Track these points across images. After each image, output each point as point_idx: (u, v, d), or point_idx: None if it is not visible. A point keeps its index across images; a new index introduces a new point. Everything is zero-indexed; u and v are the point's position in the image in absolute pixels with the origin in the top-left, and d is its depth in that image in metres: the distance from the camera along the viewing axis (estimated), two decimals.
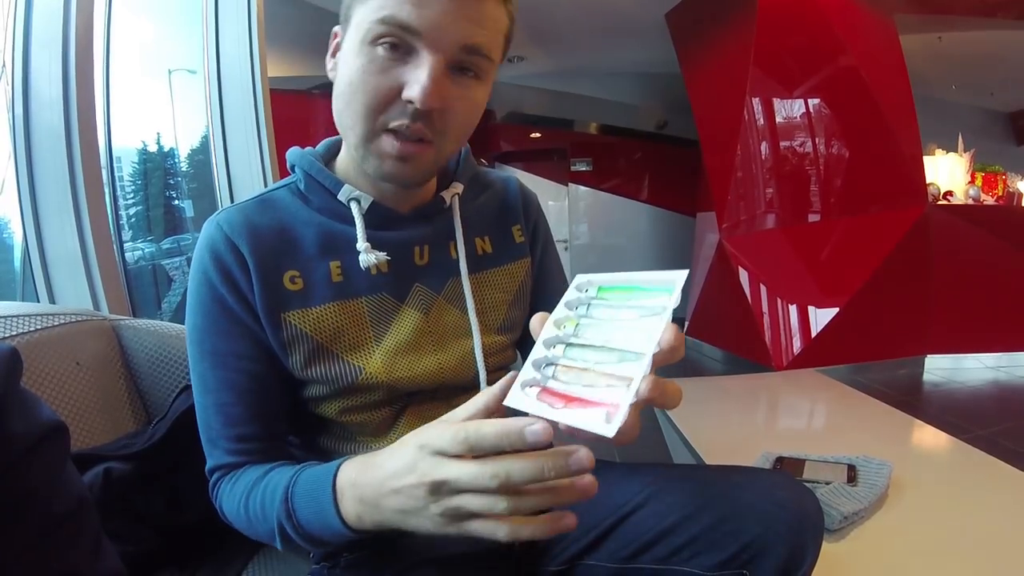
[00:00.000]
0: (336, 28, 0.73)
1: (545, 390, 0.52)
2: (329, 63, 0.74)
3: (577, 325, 0.55)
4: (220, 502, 0.71)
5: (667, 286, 0.52)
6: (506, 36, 0.71)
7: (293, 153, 0.79)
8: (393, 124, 0.66)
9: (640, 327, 0.50)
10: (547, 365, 0.53)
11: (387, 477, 0.53)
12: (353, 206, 0.75)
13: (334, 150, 0.82)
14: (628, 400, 0.46)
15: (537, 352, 0.54)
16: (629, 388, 0.47)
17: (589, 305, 0.56)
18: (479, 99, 0.70)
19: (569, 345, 0.54)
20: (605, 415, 0.46)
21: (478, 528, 0.49)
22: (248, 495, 0.67)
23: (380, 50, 0.64)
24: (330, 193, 0.76)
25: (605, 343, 0.52)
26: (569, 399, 0.50)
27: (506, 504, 0.48)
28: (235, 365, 0.71)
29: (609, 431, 0.46)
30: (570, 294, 0.58)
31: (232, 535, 0.74)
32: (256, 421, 0.71)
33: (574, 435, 0.50)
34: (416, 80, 0.63)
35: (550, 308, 0.59)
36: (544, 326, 0.56)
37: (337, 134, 0.81)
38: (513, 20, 0.71)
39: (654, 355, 0.48)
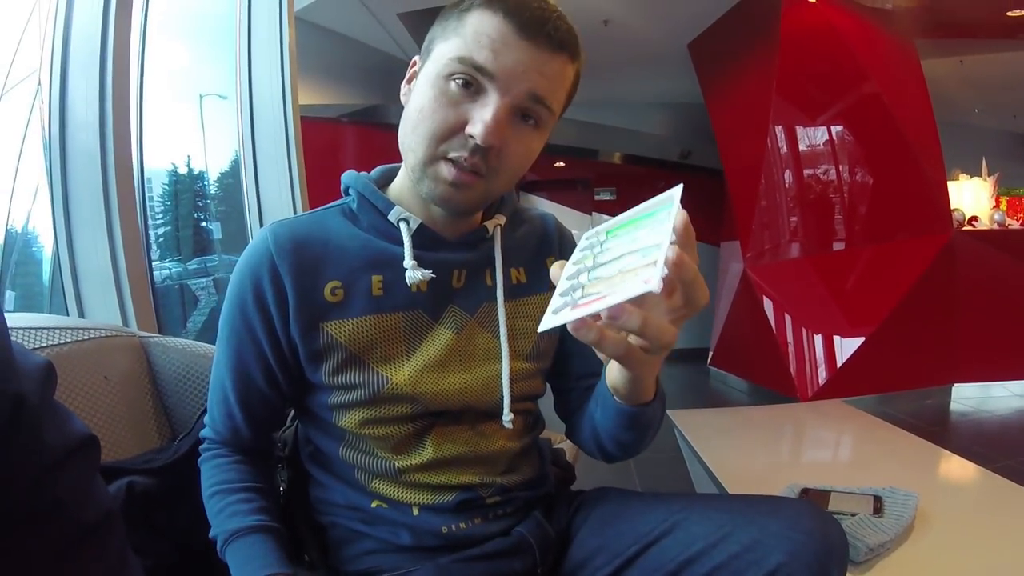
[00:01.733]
0: (415, 58, 0.78)
1: (576, 305, 0.52)
2: (403, 89, 0.79)
3: (594, 257, 0.56)
4: (200, 467, 0.84)
5: (666, 203, 0.53)
6: (569, 92, 0.76)
7: (349, 176, 0.83)
8: (452, 154, 0.71)
9: (651, 232, 0.51)
10: (574, 290, 0.54)
11: None
12: (402, 226, 0.78)
13: (388, 176, 0.86)
14: (660, 267, 0.46)
15: (562, 286, 0.55)
16: (657, 262, 0.46)
17: (602, 243, 0.57)
18: (534, 147, 0.75)
19: (591, 270, 0.54)
20: (642, 281, 0.46)
21: None
22: (213, 495, 0.79)
23: (453, 85, 0.69)
24: (380, 214, 0.79)
25: (624, 252, 0.52)
26: (601, 298, 0.49)
27: None
28: (240, 369, 0.80)
29: (651, 286, 0.45)
30: (581, 243, 0.60)
31: None
32: (243, 415, 0.81)
33: (615, 318, 0.50)
34: (480, 118, 0.68)
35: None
36: (564, 267, 0.57)
37: (372, 166, 0.85)
38: (578, 78, 0.76)
39: (672, 243, 0.48)
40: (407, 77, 0.79)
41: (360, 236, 0.79)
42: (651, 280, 0.45)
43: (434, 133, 0.70)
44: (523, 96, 0.69)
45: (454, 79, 0.69)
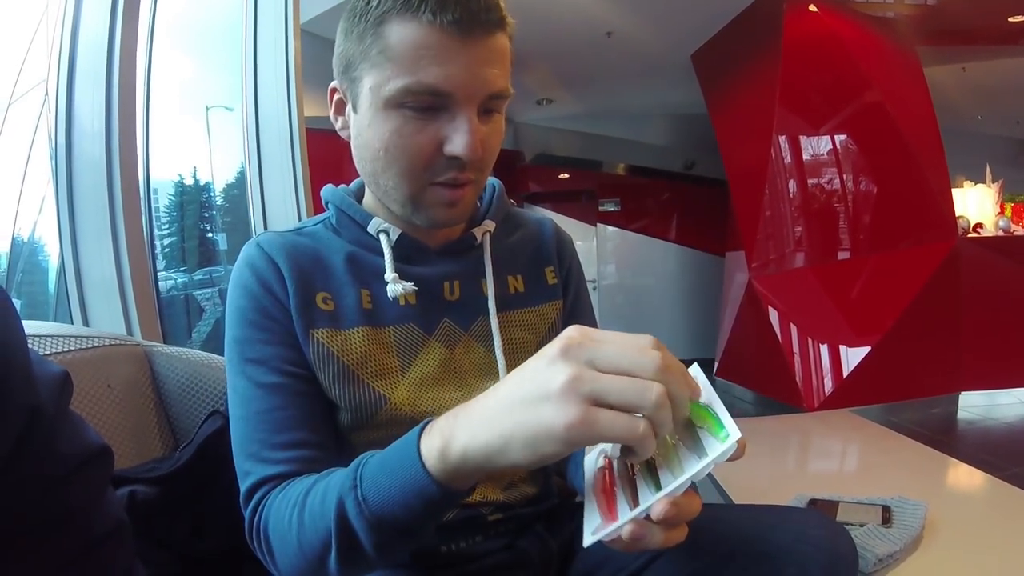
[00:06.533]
0: (333, 84, 0.74)
1: (609, 465, 0.53)
2: (337, 121, 0.75)
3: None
4: (266, 518, 0.63)
5: (724, 440, 0.47)
6: (512, 62, 0.72)
7: (327, 190, 0.81)
8: (441, 178, 0.68)
9: (682, 463, 0.49)
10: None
11: (525, 373, 0.48)
12: (382, 237, 0.76)
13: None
14: (622, 521, 0.47)
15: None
16: (631, 512, 0.48)
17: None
18: (502, 127, 0.73)
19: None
20: (596, 526, 0.48)
21: (610, 424, 0.43)
22: (308, 492, 0.59)
23: (408, 111, 0.65)
24: (360, 226, 0.77)
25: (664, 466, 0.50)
26: (608, 489, 0.51)
27: (655, 398, 0.43)
28: (281, 369, 0.70)
29: (584, 540, 0.48)
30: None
31: (252, 566, 0.73)
32: (307, 426, 0.68)
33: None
34: (459, 136, 0.65)
35: None
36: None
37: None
38: (511, 39, 0.71)
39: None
40: (333, 106, 0.75)
41: (345, 249, 0.77)
42: (595, 533, 0.48)
43: (413, 166, 0.67)
44: (483, 99, 0.66)
45: (407, 105, 0.65)
